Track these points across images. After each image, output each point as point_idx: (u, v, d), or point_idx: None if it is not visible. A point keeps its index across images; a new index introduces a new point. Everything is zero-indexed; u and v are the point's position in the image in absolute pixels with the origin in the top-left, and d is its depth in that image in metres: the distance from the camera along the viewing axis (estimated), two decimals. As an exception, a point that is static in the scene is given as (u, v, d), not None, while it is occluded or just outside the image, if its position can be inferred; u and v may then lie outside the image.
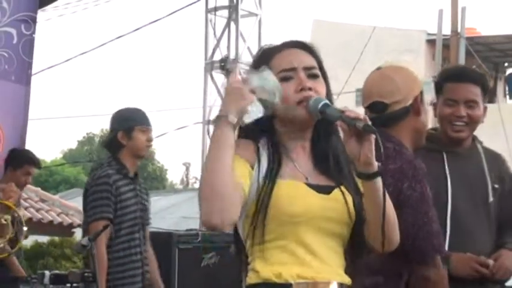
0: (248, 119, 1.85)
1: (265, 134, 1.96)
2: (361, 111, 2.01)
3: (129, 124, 4.00)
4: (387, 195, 1.89)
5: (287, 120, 1.96)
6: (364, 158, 1.86)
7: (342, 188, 1.94)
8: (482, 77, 2.97)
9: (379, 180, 1.89)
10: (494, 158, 2.97)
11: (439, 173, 2.80)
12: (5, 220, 3.83)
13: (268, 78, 1.88)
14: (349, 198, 1.93)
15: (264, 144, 1.94)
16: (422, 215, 2.35)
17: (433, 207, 2.42)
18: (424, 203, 2.38)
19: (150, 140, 4.05)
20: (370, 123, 1.83)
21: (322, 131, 1.98)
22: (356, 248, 1.95)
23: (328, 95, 1.97)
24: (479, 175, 2.87)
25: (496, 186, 2.90)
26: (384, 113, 2.50)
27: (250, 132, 1.95)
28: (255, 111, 1.85)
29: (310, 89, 1.93)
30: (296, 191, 1.89)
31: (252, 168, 1.89)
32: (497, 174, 2.92)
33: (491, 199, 2.86)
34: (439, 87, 2.93)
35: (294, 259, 1.87)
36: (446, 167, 2.83)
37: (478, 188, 2.86)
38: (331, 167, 1.95)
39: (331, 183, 1.94)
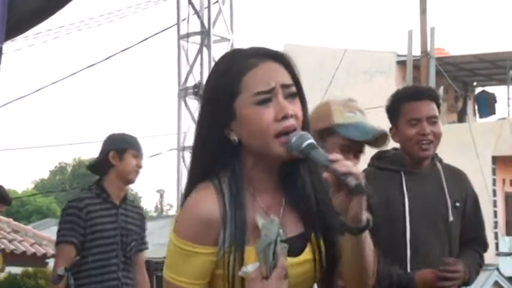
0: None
1: (225, 163, 1.67)
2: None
3: (122, 145, 3.98)
4: (369, 240, 1.68)
5: (259, 154, 1.67)
6: (353, 214, 1.61)
7: (313, 239, 1.70)
8: (435, 93, 3.01)
9: (364, 235, 1.66)
10: (456, 175, 2.96)
11: (396, 194, 2.79)
12: None
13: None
14: (318, 254, 1.71)
15: (227, 187, 1.66)
16: None
17: None
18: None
19: (140, 166, 4.03)
20: (363, 181, 1.58)
21: (299, 166, 1.71)
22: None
23: (305, 116, 1.69)
24: (439, 194, 2.85)
25: (458, 204, 2.88)
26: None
27: (209, 169, 1.67)
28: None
29: (292, 116, 1.64)
30: None
31: (215, 243, 1.64)
32: (459, 192, 2.92)
33: (451, 218, 2.84)
34: (396, 109, 2.90)
35: None
36: (404, 187, 2.82)
37: (438, 207, 2.85)
38: (305, 210, 1.70)
39: (302, 230, 1.70)
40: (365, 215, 1.63)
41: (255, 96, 1.65)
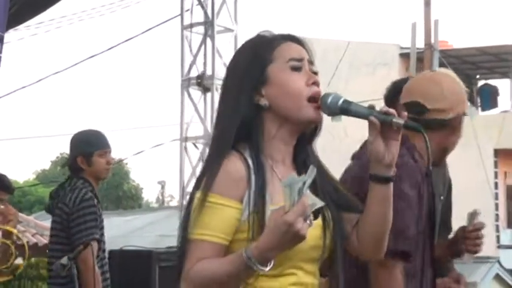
0: None
1: (250, 130, 1.79)
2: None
3: (87, 149, 4.00)
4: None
5: (286, 118, 1.80)
6: (390, 158, 1.76)
7: (324, 209, 1.81)
8: None
9: (391, 186, 1.80)
10: (441, 168, 2.91)
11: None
12: (9, 243, 3.78)
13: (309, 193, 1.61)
14: (331, 224, 1.82)
15: (248, 156, 1.77)
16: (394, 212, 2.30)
17: (414, 212, 2.32)
18: (402, 201, 2.26)
19: (109, 162, 4.05)
20: (405, 119, 1.71)
21: (306, 139, 1.86)
22: (331, 266, 1.86)
23: None
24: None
25: (442, 198, 2.85)
26: (420, 117, 2.35)
27: (229, 139, 1.77)
28: None
29: (318, 83, 1.82)
30: None
31: (241, 201, 1.73)
32: (443, 184, 2.88)
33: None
34: (394, 101, 2.79)
35: (281, 286, 1.76)
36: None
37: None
38: (317, 184, 1.79)
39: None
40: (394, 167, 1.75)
41: (288, 62, 1.81)
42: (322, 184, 1.84)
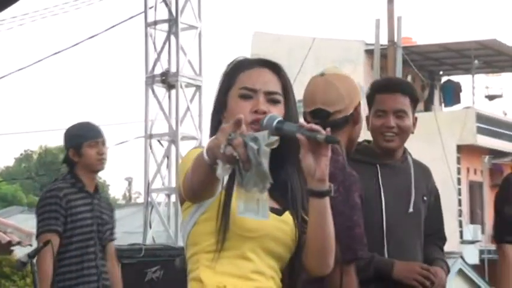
0: (219, 170, 1.71)
1: None
2: (302, 121, 2.02)
3: (77, 141, 4.02)
4: (330, 216, 1.89)
5: None
6: (320, 173, 1.85)
7: (288, 212, 1.93)
8: (410, 88, 3.02)
9: (327, 200, 1.88)
10: (424, 171, 3.03)
11: (372, 185, 2.83)
12: None
13: (263, 144, 1.69)
14: (295, 223, 1.92)
15: None
16: (345, 219, 2.36)
17: (359, 214, 2.45)
18: (348, 208, 2.40)
19: (101, 152, 4.06)
20: (329, 134, 1.82)
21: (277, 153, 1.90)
22: (293, 270, 1.95)
23: (291, 118, 1.95)
24: (407, 187, 2.91)
25: (425, 198, 2.95)
26: (326, 121, 2.52)
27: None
28: (225, 169, 1.70)
29: (264, 112, 1.92)
30: None
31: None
32: (425, 186, 2.98)
33: (411, 210, 2.89)
34: (370, 99, 2.96)
35: (241, 273, 1.86)
36: (380, 179, 2.86)
37: (406, 199, 2.90)
38: (280, 193, 1.92)
39: (278, 207, 1.93)
40: (328, 182, 1.87)
41: (240, 90, 1.97)
42: (295, 189, 1.95)
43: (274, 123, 1.88)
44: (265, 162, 1.68)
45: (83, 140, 4.02)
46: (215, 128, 1.95)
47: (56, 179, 4.11)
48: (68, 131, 4.12)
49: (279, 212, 1.92)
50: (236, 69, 2.01)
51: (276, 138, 1.71)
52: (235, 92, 1.98)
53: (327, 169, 1.85)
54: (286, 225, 1.92)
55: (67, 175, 4.03)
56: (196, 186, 1.82)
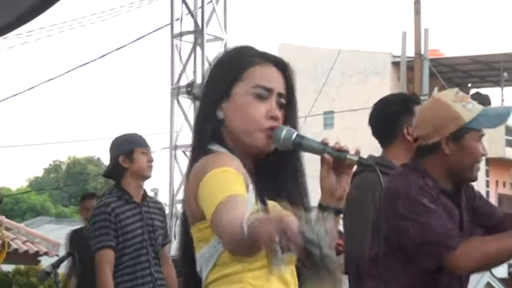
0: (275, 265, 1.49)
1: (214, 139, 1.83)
2: (328, 135, 1.95)
3: (129, 147, 4.08)
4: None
5: (243, 143, 1.83)
6: (341, 192, 1.78)
7: None
8: None
9: (339, 218, 1.83)
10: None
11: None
12: None
13: (321, 232, 1.49)
14: None
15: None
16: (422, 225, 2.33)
17: (429, 216, 2.33)
18: (432, 213, 2.33)
19: (151, 160, 4.14)
20: (359, 155, 1.73)
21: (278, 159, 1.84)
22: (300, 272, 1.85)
23: (294, 122, 1.86)
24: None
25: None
26: (418, 144, 2.44)
27: (204, 146, 1.83)
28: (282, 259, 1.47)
29: (278, 118, 1.81)
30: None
31: (247, 187, 1.76)
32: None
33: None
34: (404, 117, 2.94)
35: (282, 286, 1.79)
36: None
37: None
38: (284, 195, 1.82)
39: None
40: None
41: (254, 88, 1.82)
42: (294, 198, 1.86)
43: (293, 137, 1.78)
44: (332, 265, 1.48)
45: (136, 146, 4.09)
46: (207, 117, 1.83)
47: (103, 194, 4.18)
48: (116, 139, 4.18)
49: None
50: (243, 60, 1.85)
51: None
52: (246, 88, 1.82)
53: (348, 188, 1.79)
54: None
55: (113, 189, 4.10)
56: (241, 253, 1.65)
